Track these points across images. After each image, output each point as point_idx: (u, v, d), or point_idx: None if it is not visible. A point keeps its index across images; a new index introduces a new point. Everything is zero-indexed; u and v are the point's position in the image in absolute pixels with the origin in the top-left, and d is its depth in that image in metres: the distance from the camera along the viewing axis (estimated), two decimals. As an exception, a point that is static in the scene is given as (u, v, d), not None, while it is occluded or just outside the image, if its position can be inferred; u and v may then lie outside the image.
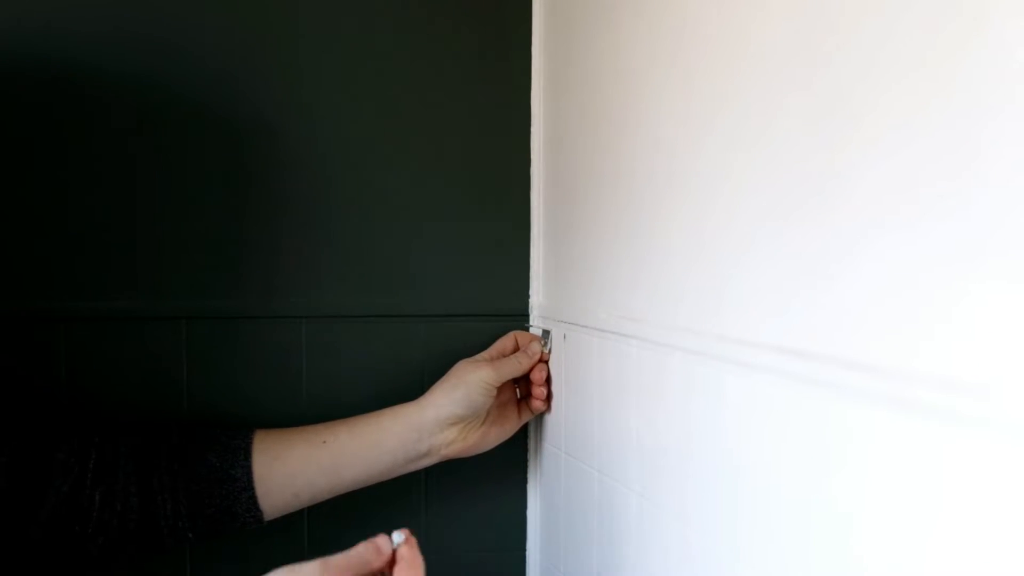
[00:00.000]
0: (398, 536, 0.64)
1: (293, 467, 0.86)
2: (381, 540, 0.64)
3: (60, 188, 0.90)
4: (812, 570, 0.52)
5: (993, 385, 0.39)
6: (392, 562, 0.63)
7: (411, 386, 0.97)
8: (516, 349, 0.96)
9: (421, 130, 0.99)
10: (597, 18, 0.85)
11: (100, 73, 0.90)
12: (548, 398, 0.95)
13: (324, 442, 0.87)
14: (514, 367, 0.93)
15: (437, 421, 0.89)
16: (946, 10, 0.42)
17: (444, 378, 0.91)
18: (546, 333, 0.96)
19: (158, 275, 0.93)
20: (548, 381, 0.95)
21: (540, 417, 1.00)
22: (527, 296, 1.03)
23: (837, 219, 0.50)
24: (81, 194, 0.91)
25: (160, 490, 0.82)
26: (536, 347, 0.95)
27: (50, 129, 0.90)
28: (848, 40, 0.49)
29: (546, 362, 0.95)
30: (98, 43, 0.90)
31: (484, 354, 0.95)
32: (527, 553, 1.04)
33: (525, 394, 0.97)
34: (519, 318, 1.02)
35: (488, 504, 1.02)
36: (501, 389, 0.92)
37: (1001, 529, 0.39)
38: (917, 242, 0.44)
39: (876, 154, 0.46)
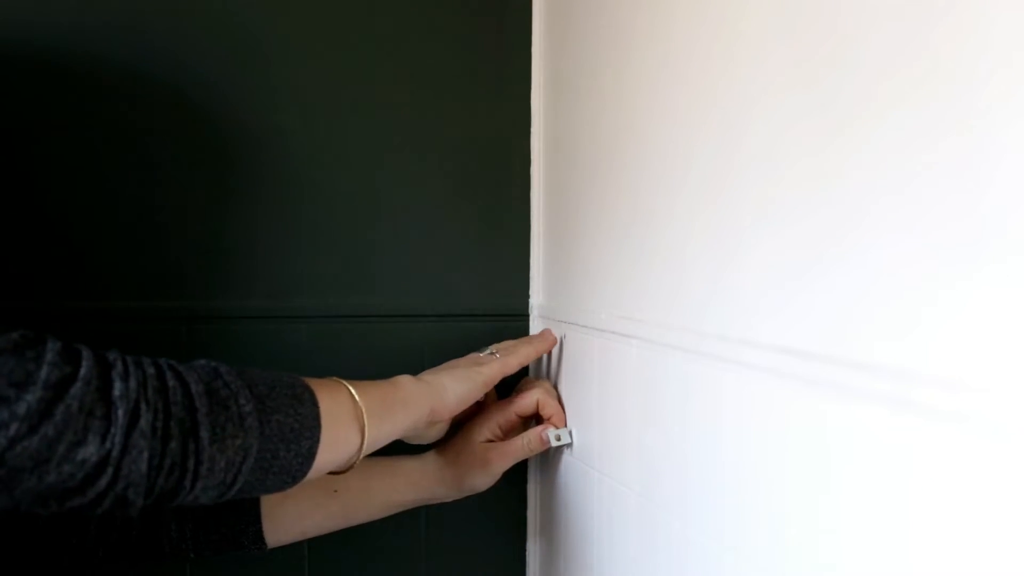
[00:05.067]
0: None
1: (303, 509, 0.85)
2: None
3: (60, 188, 0.90)
4: (814, 569, 0.52)
5: (994, 385, 0.39)
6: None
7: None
8: (534, 412, 0.93)
9: (421, 130, 0.99)
10: (597, 18, 0.85)
11: (101, 72, 0.90)
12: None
13: (335, 491, 0.86)
14: (522, 454, 0.91)
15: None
16: (942, 6, 0.42)
17: (459, 452, 0.90)
18: (570, 434, 0.91)
19: (158, 275, 0.93)
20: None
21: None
22: (527, 296, 1.03)
23: (835, 219, 0.50)
24: (81, 194, 0.91)
25: (164, 511, 0.81)
26: (550, 437, 0.90)
27: (50, 129, 0.90)
28: (843, 39, 0.49)
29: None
30: (99, 42, 0.90)
31: (501, 416, 0.92)
32: (527, 553, 1.04)
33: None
34: (519, 318, 1.02)
35: (488, 504, 1.02)
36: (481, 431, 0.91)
37: (1000, 528, 0.38)
38: (916, 242, 0.43)
39: (873, 152, 0.46)
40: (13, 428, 0.49)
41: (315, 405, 0.64)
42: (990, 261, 0.39)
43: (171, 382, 0.57)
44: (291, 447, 0.61)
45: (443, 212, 1.00)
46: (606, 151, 0.82)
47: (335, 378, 0.70)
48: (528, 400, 0.92)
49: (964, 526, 0.40)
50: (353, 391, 0.69)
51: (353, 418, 0.68)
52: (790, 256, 0.54)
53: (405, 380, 0.78)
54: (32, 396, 0.50)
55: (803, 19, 0.53)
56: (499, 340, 1.00)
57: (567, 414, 0.92)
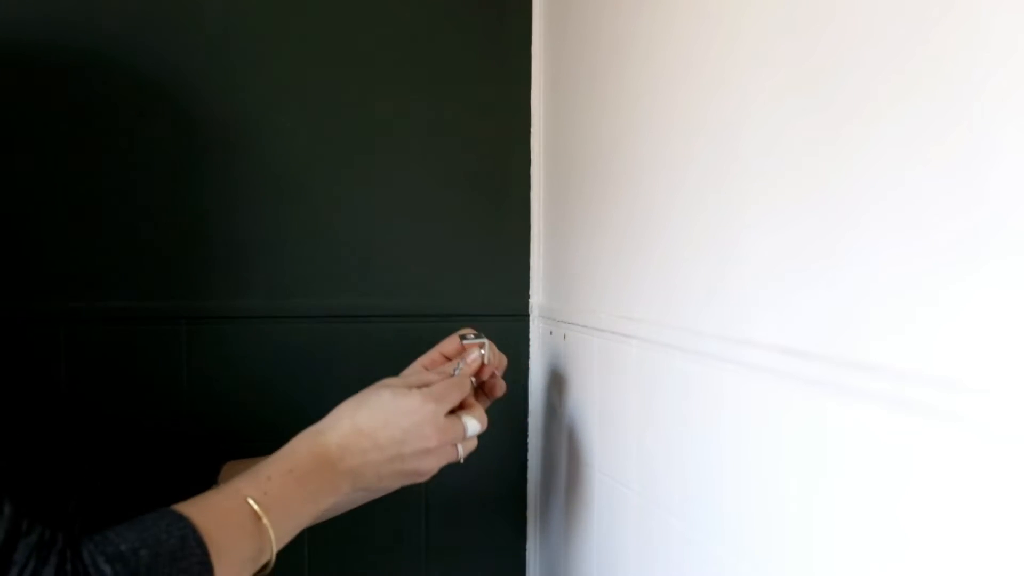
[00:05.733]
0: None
1: None
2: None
3: (59, 188, 0.90)
4: (812, 568, 0.52)
5: (992, 385, 0.39)
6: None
7: (411, 386, 0.96)
8: (458, 350, 0.85)
9: (422, 131, 0.99)
10: (597, 18, 0.85)
11: (99, 72, 0.90)
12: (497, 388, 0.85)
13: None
14: (461, 391, 0.80)
15: None
16: (941, 6, 0.42)
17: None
18: (477, 335, 0.85)
19: (158, 275, 0.93)
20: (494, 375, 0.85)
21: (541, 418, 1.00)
22: (527, 296, 1.03)
23: (833, 218, 0.50)
24: (81, 194, 0.91)
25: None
26: (475, 356, 0.83)
27: (49, 129, 0.90)
28: (842, 39, 0.49)
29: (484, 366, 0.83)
30: (97, 43, 0.90)
31: (426, 358, 0.86)
32: (527, 553, 1.04)
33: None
34: (519, 318, 1.02)
35: (488, 503, 1.02)
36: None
37: (997, 528, 0.38)
38: (914, 242, 0.43)
39: (872, 152, 0.46)
40: None
41: None
42: (988, 261, 0.39)
43: None
44: None
45: (443, 212, 1.00)
46: (606, 151, 0.82)
47: (249, 504, 0.68)
48: (451, 338, 0.85)
49: (961, 525, 0.40)
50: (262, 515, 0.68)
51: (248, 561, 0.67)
52: (788, 256, 0.54)
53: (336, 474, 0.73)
54: None
55: (802, 20, 0.53)
56: (499, 340, 1.00)
57: (567, 414, 0.92)
